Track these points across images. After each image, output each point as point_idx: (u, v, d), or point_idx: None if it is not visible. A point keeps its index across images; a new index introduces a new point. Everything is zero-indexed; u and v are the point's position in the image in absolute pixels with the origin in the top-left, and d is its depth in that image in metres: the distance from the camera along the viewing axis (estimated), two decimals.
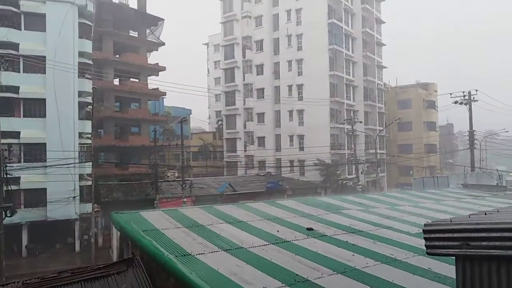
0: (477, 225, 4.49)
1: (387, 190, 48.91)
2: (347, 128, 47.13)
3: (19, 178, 26.52)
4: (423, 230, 4.95)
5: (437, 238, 4.77)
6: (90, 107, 32.35)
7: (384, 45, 58.90)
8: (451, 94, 36.86)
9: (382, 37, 58.58)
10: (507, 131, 55.60)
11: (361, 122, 48.81)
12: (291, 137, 49.61)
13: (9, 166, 18.57)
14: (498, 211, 6.23)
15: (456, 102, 36.22)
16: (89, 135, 31.66)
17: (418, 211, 14.17)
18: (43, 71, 29.24)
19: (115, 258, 12.15)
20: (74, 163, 28.13)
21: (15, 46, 28.53)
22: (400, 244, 9.50)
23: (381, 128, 52.43)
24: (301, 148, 48.03)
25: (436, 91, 64.62)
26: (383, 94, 58.33)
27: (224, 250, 8.38)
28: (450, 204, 16.19)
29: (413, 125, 59.61)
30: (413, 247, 9.19)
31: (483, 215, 5.48)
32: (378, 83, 55.91)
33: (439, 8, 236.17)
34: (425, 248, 4.99)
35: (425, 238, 4.88)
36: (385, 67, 58.73)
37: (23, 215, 27.35)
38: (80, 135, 31.25)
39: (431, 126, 61.89)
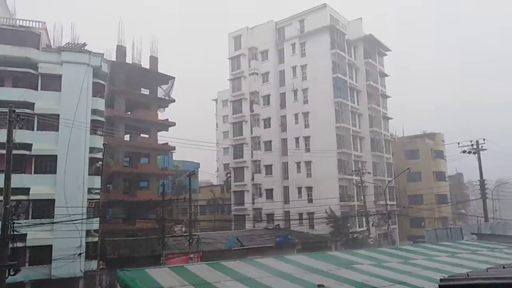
0: (496, 279, 4.33)
1: (399, 243, 47.54)
2: (355, 179, 46.80)
3: (25, 235, 26.33)
4: (440, 286, 4.78)
5: None
6: (100, 162, 32.79)
7: (388, 97, 60.00)
8: (458, 143, 36.90)
9: (386, 89, 59.86)
10: None
11: (369, 173, 48.53)
12: (299, 189, 49.28)
13: (17, 223, 18.55)
14: None
15: (464, 152, 36.13)
16: (98, 191, 31.79)
17: (432, 265, 13.67)
18: (56, 128, 30.08)
19: None
20: (82, 219, 28.01)
21: (31, 106, 29.60)
22: None
23: (390, 179, 51.99)
24: (310, 200, 47.50)
25: (443, 140, 64.66)
26: (390, 144, 58.50)
27: None
28: (465, 257, 15.62)
29: (423, 175, 59.02)
30: None
31: (502, 268, 5.30)
32: (384, 134, 56.30)
33: (441, 58, 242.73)
34: None
35: None
36: (390, 118, 59.40)
37: (27, 273, 26.78)
38: (89, 190, 31.42)
39: (440, 176, 61.23)
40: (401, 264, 13.63)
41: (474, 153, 35.74)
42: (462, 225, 38.15)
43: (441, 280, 4.84)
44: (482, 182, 35.34)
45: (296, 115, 51.38)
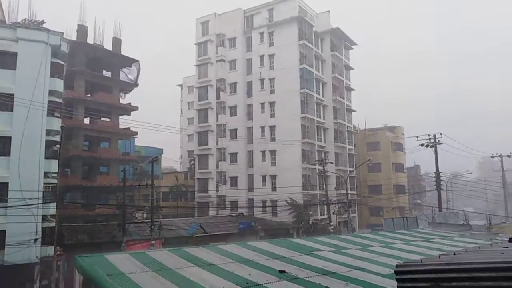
0: (447, 265, 4.53)
1: (359, 230, 49.14)
2: (318, 169, 47.74)
3: None
4: (395, 271, 4.94)
5: (409, 279, 4.76)
6: (58, 146, 31.47)
7: (353, 90, 61.28)
8: (417, 137, 38.37)
9: (351, 82, 61.06)
10: (470, 173, 57.90)
11: (332, 163, 49.66)
12: (263, 177, 49.66)
13: None
14: (466, 252, 6.33)
15: (422, 145, 37.62)
16: (55, 175, 30.57)
17: (389, 251, 14.22)
18: (10, 109, 28.47)
19: None
20: (38, 203, 26.87)
21: None
22: (372, 286, 9.43)
23: (351, 169, 53.40)
24: (274, 189, 48.02)
25: (403, 134, 67.07)
26: (353, 136, 59.94)
27: None
28: (420, 244, 16.36)
29: (382, 167, 61.04)
30: None
31: (453, 255, 5.55)
32: (347, 126, 57.59)
33: (405, 52, 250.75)
34: None
35: (397, 279, 4.87)
36: (354, 111, 60.78)
37: None
38: (46, 174, 30.11)
39: (399, 167, 63.61)
40: (360, 251, 14.08)
41: (431, 146, 37.30)
42: (417, 214, 39.94)
43: (396, 266, 5.01)
44: (437, 174, 37.00)
45: (262, 104, 51.47)
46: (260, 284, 9.10)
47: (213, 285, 8.80)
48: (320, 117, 52.45)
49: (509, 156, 50.08)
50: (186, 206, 53.69)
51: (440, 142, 37.36)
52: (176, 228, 36.19)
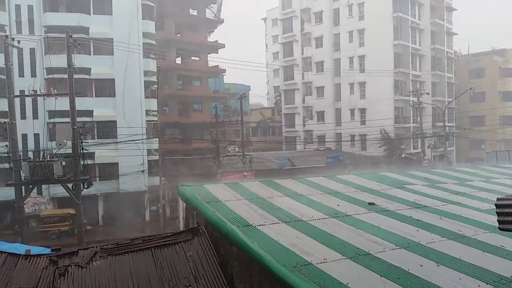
0: None
1: (456, 164, 46.22)
2: (412, 100, 44.80)
3: (93, 153, 28.73)
4: (496, 205, 4.66)
5: (511, 213, 4.47)
6: (155, 86, 33.80)
7: (455, 9, 54.39)
8: None
9: (453, 0, 54.07)
10: None
11: (428, 93, 45.99)
12: (352, 111, 48.25)
13: (85, 142, 20.11)
14: None
15: None
16: (155, 113, 33.26)
17: (490, 186, 13.29)
18: (111, 52, 30.95)
19: (181, 227, 12.85)
20: (142, 139, 29.83)
21: (86, 30, 30.37)
22: (469, 221, 9.04)
23: (450, 100, 49.19)
24: (363, 122, 46.61)
25: None
26: (453, 63, 54.33)
27: (284, 222, 8.53)
28: None
29: (487, 96, 55.07)
30: (483, 224, 8.70)
31: None
32: (447, 51, 52.11)
33: None
34: (497, 225, 4.71)
35: (498, 213, 4.60)
36: (455, 34, 54.44)
37: (98, 187, 29.66)
38: (147, 112, 32.96)
39: (508, 96, 56.74)
40: (456, 185, 13.38)
41: None
42: None
43: (498, 199, 4.68)
44: None
45: (350, 33, 48.46)
46: (349, 215, 9.27)
47: (303, 214, 9.19)
48: (415, 43, 48.00)
49: None
50: (274, 141, 55.10)
51: None
52: (266, 161, 37.70)
